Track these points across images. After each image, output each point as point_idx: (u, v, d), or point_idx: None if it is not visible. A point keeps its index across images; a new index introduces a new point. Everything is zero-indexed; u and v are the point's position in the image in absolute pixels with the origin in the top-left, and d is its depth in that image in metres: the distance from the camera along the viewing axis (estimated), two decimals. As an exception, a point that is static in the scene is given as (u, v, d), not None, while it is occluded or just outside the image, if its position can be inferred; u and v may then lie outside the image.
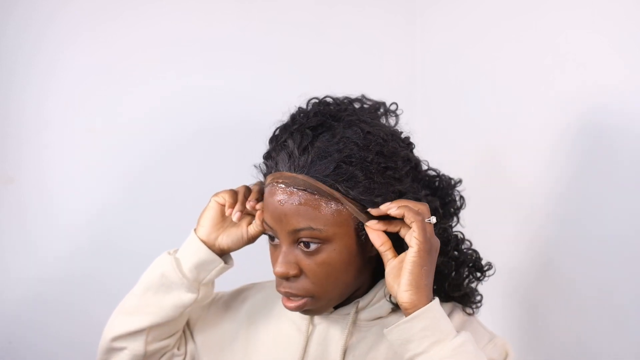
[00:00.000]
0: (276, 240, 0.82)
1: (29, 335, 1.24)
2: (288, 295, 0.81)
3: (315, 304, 0.81)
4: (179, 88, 1.37)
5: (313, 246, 0.78)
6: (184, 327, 0.95)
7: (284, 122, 0.84)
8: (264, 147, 0.90)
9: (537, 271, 1.19)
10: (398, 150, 0.83)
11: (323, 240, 0.78)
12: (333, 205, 0.77)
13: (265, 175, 0.84)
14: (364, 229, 0.79)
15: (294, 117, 0.84)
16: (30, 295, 1.25)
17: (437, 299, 0.76)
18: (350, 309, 0.86)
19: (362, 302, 0.86)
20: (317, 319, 0.88)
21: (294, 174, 0.77)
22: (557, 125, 1.14)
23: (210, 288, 0.92)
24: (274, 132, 0.84)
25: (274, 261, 0.82)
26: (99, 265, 1.30)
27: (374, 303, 0.86)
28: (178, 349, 0.94)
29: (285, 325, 0.91)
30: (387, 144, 0.81)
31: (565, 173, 1.12)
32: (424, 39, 1.55)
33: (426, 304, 0.74)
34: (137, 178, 1.33)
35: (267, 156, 0.83)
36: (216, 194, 0.89)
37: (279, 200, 0.78)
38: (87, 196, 1.30)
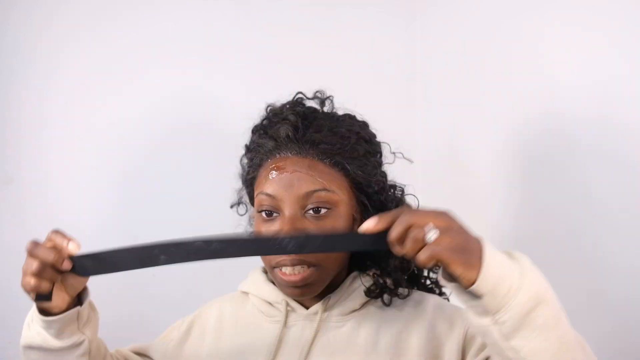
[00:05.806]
0: (274, 215, 0.81)
1: (28, 335, 1.24)
2: (294, 263, 0.78)
3: (317, 275, 0.80)
4: (179, 88, 1.37)
5: (323, 211, 0.79)
6: None
7: (267, 114, 0.90)
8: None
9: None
10: (375, 137, 0.89)
11: (333, 205, 0.80)
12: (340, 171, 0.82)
13: (262, 152, 0.85)
14: (363, 203, 0.84)
15: (279, 107, 0.89)
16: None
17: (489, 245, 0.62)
18: (319, 307, 0.84)
19: (333, 297, 0.85)
20: (291, 320, 0.85)
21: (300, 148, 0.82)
22: (556, 124, 1.13)
23: (94, 324, 0.85)
24: (262, 121, 0.89)
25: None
26: (99, 265, 1.30)
27: (344, 298, 0.85)
28: None
29: (257, 333, 0.87)
30: (368, 130, 0.88)
31: (562, 172, 1.12)
32: (424, 39, 1.55)
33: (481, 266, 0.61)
34: (137, 178, 1.33)
35: (261, 136, 0.86)
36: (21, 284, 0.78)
37: (292, 166, 0.80)
38: (87, 196, 1.29)
